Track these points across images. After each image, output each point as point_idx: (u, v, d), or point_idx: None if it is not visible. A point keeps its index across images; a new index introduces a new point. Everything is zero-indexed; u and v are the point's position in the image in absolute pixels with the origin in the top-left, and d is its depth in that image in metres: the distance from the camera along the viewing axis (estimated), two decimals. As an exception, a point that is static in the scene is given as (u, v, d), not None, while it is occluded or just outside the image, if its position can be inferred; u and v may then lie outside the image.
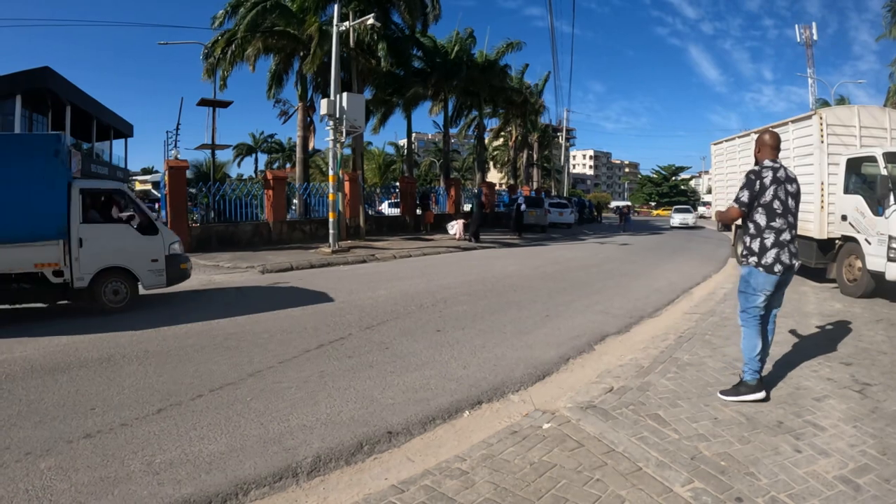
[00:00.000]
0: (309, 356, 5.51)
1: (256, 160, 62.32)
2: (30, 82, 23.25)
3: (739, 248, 4.29)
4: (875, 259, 7.76)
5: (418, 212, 24.11)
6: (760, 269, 3.97)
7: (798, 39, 56.14)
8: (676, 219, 35.14)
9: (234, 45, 18.95)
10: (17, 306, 7.46)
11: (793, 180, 4.07)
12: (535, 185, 41.61)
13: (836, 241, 9.01)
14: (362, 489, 3.10)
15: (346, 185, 19.46)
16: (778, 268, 3.94)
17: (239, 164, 61.21)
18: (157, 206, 18.63)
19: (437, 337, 6.31)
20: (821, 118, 9.29)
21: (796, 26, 57.07)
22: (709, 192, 46.04)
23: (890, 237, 7.45)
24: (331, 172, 15.98)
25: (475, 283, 10.34)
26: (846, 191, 8.66)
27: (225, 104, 22.40)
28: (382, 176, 50.76)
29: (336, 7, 16.32)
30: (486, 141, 41.03)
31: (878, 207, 7.76)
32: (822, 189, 9.13)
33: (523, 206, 24.30)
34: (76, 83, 27.29)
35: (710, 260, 15.23)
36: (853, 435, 3.48)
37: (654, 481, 2.97)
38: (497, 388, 4.66)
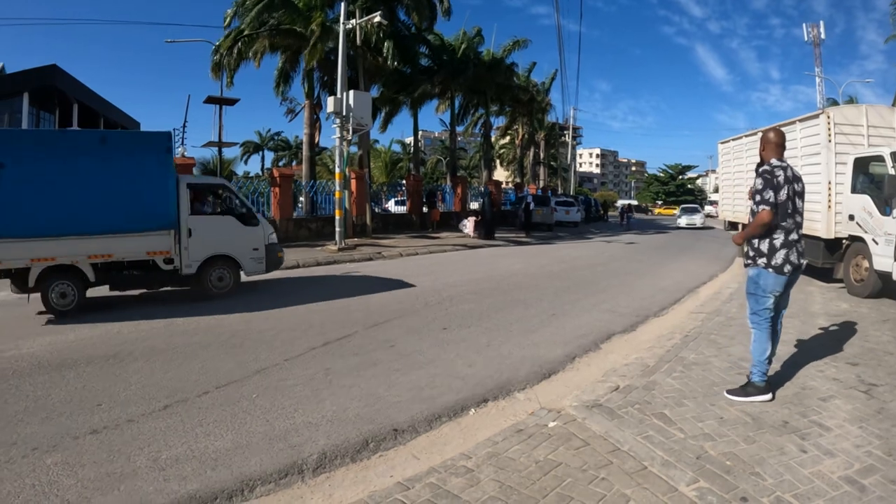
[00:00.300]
0: (315, 354, 5.54)
1: (263, 158, 62.55)
2: (37, 80, 23.37)
3: (746, 249, 4.23)
4: (882, 259, 7.71)
5: (425, 210, 24.13)
6: (770, 270, 3.92)
7: (805, 38, 56.08)
8: (683, 220, 32.12)
9: (240, 43, 19.02)
10: (124, 293, 8.02)
11: (798, 179, 4.04)
12: (541, 184, 41.58)
13: (843, 241, 8.95)
14: (368, 486, 3.11)
15: (353, 182, 19.50)
16: (787, 268, 3.90)
17: (245, 162, 61.33)
18: None
19: (443, 335, 6.32)
20: (828, 117, 9.22)
21: (804, 25, 57.02)
22: (716, 190, 45.21)
23: (898, 237, 7.39)
24: (337, 170, 16.02)
25: (481, 281, 10.35)
26: (854, 190, 8.59)
27: (232, 101, 22.46)
28: (389, 174, 50.80)
29: (343, 5, 16.29)
30: (493, 139, 40.93)
31: (885, 207, 7.69)
32: (830, 188, 9.07)
33: (532, 205, 24.27)
34: (83, 81, 27.46)
35: (717, 259, 15.15)
36: (859, 435, 3.46)
37: (660, 480, 2.97)
38: (503, 387, 4.66)
